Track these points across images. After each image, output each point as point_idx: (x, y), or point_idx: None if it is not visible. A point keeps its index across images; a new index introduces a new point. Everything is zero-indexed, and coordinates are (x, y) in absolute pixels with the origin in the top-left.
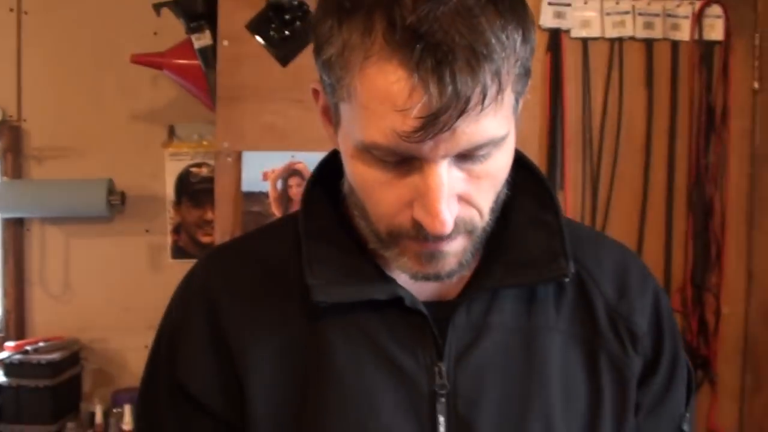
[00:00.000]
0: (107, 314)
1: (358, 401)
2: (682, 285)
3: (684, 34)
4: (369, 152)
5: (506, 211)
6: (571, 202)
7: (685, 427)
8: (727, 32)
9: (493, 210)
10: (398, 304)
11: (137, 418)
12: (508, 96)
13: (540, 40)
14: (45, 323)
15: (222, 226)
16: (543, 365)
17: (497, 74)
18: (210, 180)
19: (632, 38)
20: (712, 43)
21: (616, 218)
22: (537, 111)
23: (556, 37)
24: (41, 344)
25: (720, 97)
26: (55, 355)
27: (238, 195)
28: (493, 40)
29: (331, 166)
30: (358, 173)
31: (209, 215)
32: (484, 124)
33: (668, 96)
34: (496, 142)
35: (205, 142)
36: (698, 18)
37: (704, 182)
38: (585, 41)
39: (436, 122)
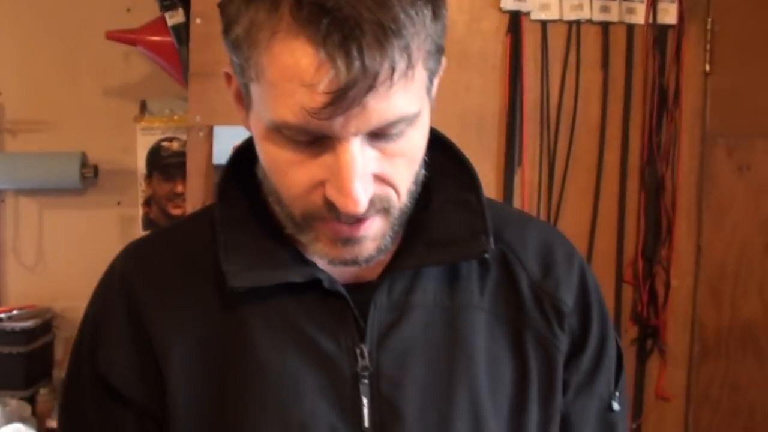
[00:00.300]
0: (79, 284)
1: (280, 386)
2: (633, 258)
3: (639, 17)
4: (280, 132)
5: (426, 192)
6: (528, 178)
7: (615, 405)
8: (681, 17)
9: (411, 191)
10: (317, 287)
11: (61, 408)
12: (420, 73)
13: (500, 22)
14: (18, 292)
15: (193, 197)
16: (467, 345)
17: (406, 49)
18: (180, 154)
19: (589, 21)
20: (665, 27)
21: (571, 194)
22: (497, 90)
23: (516, 19)
24: (15, 312)
25: (672, 79)
26: (28, 323)
27: (209, 168)
28: (402, 16)
29: (248, 153)
30: (269, 155)
31: (179, 188)
32: (395, 100)
33: (623, 77)
34: (408, 120)
35: (176, 117)
36: (653, 2)
37: (656, 161)
38: (544, 23)
39: (344, 98)
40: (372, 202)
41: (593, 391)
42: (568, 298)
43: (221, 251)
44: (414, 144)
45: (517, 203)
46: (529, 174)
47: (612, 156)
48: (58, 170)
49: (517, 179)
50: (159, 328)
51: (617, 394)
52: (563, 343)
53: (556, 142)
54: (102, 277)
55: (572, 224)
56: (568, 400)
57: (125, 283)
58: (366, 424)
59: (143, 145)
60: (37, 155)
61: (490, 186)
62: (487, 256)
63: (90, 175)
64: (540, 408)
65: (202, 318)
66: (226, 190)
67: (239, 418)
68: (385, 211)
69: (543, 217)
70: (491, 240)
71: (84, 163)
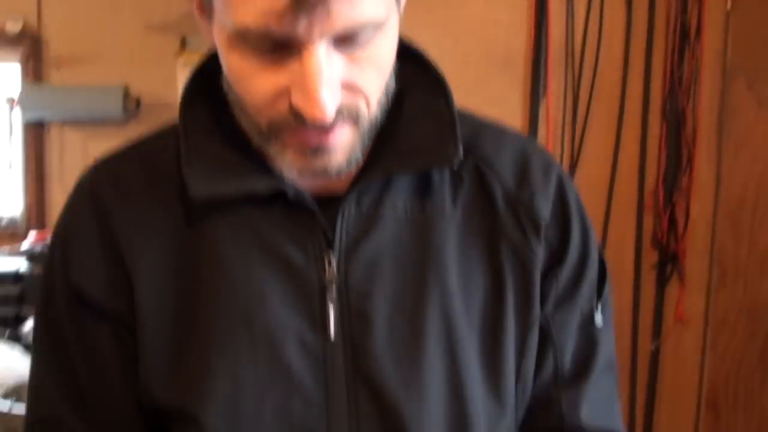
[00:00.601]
0: None
1: (246, 296)
2: (654, 187)
3: None
4: (243, 40)
5: (397, 104)
6: (553, 110)
7: (597, 319)
8: None
9: (380, 101)
10: (285, 200)
11: (36, 325)
12: None
13: None
14: None
15: None
16: (439, 256)
17: None
18: None
19: None
20: None
21: (594, 126)
22: (523, 25)
23: None
24: None
25: (695, 17)
26: None
27: None
28: None
29: (212, 64)
30: (233, 64)
31: None
32: (360, 3)
33: (646, 15)
34: (375, 25)
35: None
36: None
37: (677, 94)
38: None
39: None
40: (340, 111)
41: (574, 303)
42: (545, 209)
43: (184, 160)
44: (383, 52)
45: (541, 134)
46: (553, 106)
47: (634, 89)
48: (101, 103)
49: (541, 111)
50: (127, 239)
51: (600, 306)
52: (540, 254)
53: (580, 75)
54: (71, 192)
55: (595, 154)
56: (547, 313)
57: (94, 196)
58: (333, 334)
59: (183, 79)
60: (82, 88)
61: (515, 117)
62: (455, 163)
63: (132, 107)
64: (517, 319)
65: (170, 230)
66: (190, 102)
67: (205, 329)
68: (354, 121)
69: (567, 147)
70: (460, 147)
71: (126, 96)
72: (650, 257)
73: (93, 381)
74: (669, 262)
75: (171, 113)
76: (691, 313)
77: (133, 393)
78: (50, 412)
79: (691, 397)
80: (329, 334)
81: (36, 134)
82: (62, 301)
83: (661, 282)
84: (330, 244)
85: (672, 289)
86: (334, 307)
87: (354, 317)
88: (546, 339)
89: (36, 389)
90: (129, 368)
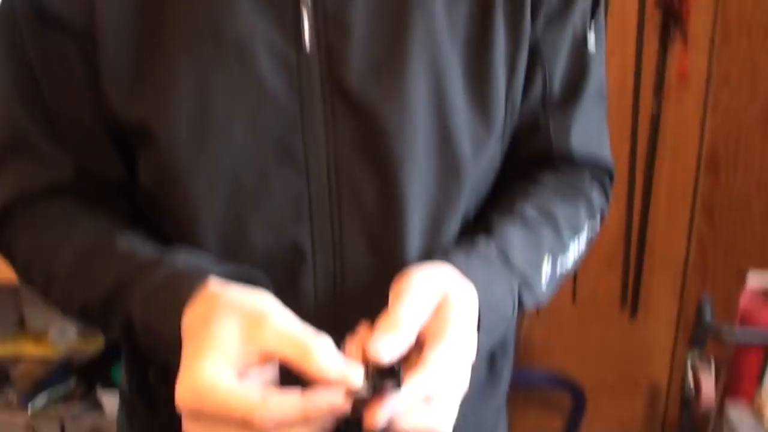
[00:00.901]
0: None
1: (213, 5)
2: None
3: None
4: None
5: None
6: None
7: (590, 42)
8: None
9: None
10: None
11: None
12: None
13: None
14: None
15: None
16: None
17: None
18: None
19: None
20: None
21: None
22: None
23: None
24: None
25: None
26: None
27: None
28: None
29: None
30: None
31: None
32: None
33: None
34: None
35: None
36: None
37: None
38: None
39: None
40: None
41: (566, 22)
42: None
43: None
44: None
45: None
46: None
47: None
48: None
49: None
50: None
51: (593, 27)
52: None
53: None
54: None
55: None
56: (538, 32)
57: None
58: (308, 44)
59: None
60: None
61: None
62: None
63: None
64: (506, 33)
65: None
66: None
67: (170, 37)
68: None
69: None
70: None
71: None
72: (654, 16)
73: (58, 99)
74: (672, 20)
75: None
76: (693, 71)
77: (100, 112)
78: (16, 134)
79: (691, 157)
80: (303, 44)
81: None
82: (23, 17)
83: (664, 41)
84: None
85: (675, 49)
86: (308, 14)
87: (331, 25)
88: (535, 60)
89: (1, 112)
90: (94, 85)
